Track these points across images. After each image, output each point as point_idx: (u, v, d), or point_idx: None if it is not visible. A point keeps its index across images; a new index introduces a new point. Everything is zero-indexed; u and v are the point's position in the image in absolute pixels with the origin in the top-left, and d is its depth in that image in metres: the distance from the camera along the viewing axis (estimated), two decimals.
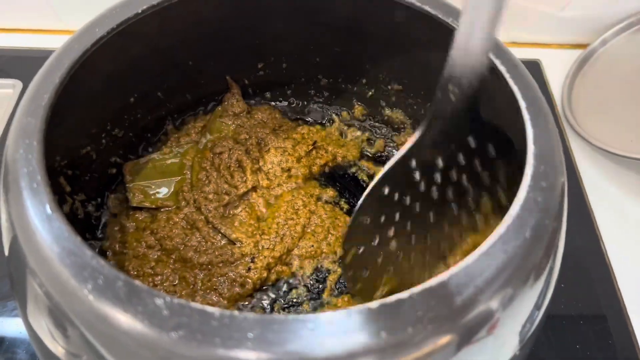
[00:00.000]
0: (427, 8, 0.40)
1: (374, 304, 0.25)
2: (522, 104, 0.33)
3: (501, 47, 0.36)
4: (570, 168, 0.60)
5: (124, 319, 0.25)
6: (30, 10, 0.70)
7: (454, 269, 0.27)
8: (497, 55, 0.35)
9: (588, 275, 0.52)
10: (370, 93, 0.56)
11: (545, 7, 0.69)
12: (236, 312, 0.24)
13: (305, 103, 0.60)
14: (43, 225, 0.28)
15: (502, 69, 0.35)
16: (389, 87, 0.54)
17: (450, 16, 0.39)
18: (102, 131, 0.47)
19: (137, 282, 0.25)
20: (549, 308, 0.35)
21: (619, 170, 0.60)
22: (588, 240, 0.55)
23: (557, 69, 0.70)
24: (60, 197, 0.42)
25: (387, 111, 0.57)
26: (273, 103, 0.59)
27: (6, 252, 0.31)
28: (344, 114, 0.59)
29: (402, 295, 0.26)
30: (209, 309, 0.25)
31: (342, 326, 0.25)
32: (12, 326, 0.46)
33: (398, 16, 0.42)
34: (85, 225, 0.47)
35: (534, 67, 0.71)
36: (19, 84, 0.64)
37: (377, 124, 0.59)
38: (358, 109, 0.58)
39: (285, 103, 0.60)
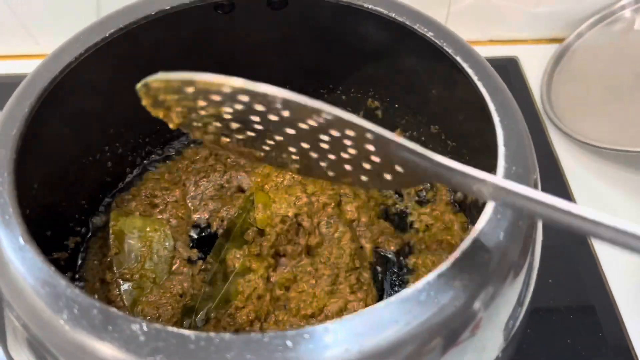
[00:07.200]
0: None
1: (351, 317, 0.25)
2: (492, 107, 0.33)
3: (468, 50, 0.37)
4: (553, 162, 0.60)
5: (101, 347, 0.25)
6: (5, 35, 0.69)
7: (430, 276, 0.27)
8: (464, 58, 0.36)
9: (575, 267, 0.52)
10: None
11: (520, 3, 0.69)
12: (212, 334, 0.24)
13: None
14: (16, 256, 0.28)
15: (470, 72, 0.35)
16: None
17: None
18: (85, 155, 0.46)
19: (112, 309, 0.25)
20: (533, 303, 0.35)
21: (601, 162, 0.61)
22: (573, 233, 0.54)
23: (535, 65, 0.70)
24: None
25: None
26: None
27: None
28: None
29: (379, 304, 0.26)
30: (185, 332, 0.25)
31: (320, 342, 0.25)
32: None
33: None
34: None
35: (512, 64, 0.71)
36: None
37: None
38: None
39: None
